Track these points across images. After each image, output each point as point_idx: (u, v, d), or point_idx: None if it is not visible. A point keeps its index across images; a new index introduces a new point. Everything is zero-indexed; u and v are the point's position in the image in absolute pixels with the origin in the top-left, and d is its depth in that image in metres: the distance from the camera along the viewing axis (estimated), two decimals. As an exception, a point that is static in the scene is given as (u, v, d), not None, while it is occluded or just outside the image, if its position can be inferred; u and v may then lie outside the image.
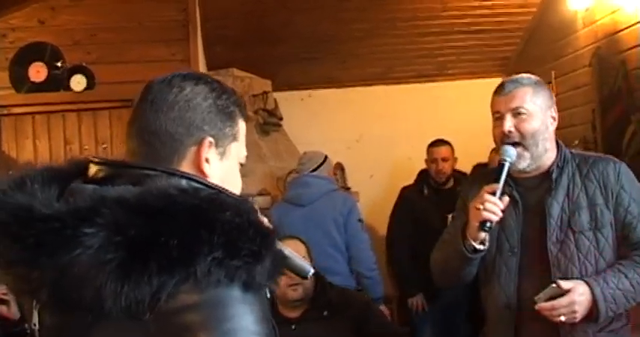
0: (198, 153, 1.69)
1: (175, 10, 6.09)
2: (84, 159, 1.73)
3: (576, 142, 5.99)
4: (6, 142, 6.10)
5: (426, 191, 6.34)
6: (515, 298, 3.09)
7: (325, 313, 4.20)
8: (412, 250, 6.22)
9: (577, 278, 2.97)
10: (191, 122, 1.68)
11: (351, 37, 7.33)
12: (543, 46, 7.13)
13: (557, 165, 3.11)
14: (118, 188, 1.54)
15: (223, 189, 1.62)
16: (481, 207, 2.93)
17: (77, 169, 1.70)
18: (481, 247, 3.02)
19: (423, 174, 6.45)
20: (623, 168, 3.11)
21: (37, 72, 5.96)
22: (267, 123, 7.37)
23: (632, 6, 5.25)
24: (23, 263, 1.47)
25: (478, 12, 7.09)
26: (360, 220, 5.70)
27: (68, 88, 5.97)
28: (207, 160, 1.69)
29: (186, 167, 1.67)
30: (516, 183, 3.14)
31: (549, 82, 6.24)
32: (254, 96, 7.28)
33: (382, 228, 6.77)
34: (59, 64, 5.95)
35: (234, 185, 1.77)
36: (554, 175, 3.09)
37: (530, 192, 3.15)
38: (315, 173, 5.85)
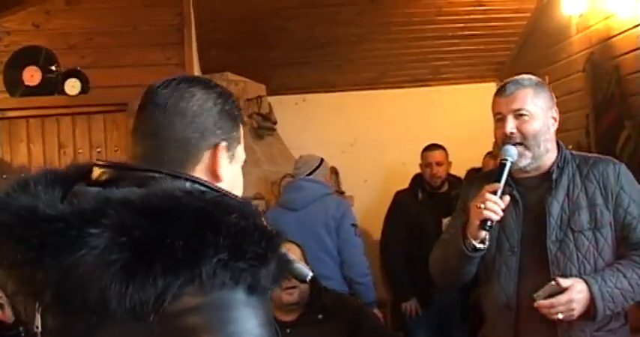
0: (213, 158, 1.71)
1: (170, 15, 6.08)
2: (87, 163, 1.74)
3: (570, 147, 5.98)
4: (0, 146, 6.08)
5: (420, 195, 6.34)
6: (515, 297, 3.11)
7: (320, 317, 4.20)
8: (406, 254, 6.22)
9: (576, 277, 2.99)
10: (205, 127, 1.69)
11: (345, 41, 7.34)
12: (537, 51, 7.15)
13: (558, 166, 3.14)
14: (122, 190, 1.54)
15: (227, 192, 1.63)
16: (482, 206, 2.95)
17: (80, 172, 1.70)
18: (481, 246, 3.04)
19: (418, 179, 6.45)
20: (623, 169, 3.14)
21: (32, 76, 5.95)
22: (262, 127, 7.37)
23: (626, 12, 5.27)
24: (27, 264, 1.47)
25: (472, 17, 7.11)
26: (353, 225, 5.66)
27: (62, 92, 5.95)
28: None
29: (200, 171, 1.69)
30: (517, 183, 3.16)
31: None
32: (248, 100, 7.28)
33: (376, 233, 6.78)
34: (54, 68, 5.94)
35: (239, 188, 1.80)
36: (554, 175, 3.12)
37: (531, 192, 3.17)
38: (309, 177, 5.84)
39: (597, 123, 5.84)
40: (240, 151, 1.79)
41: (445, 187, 6.32)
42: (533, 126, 3.08)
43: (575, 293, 2.91)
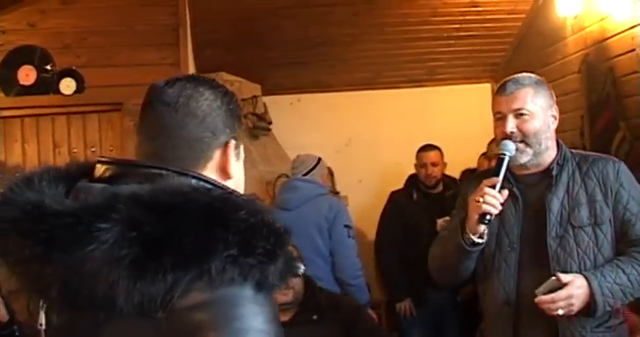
0: (224, 156, 1.73)
1: (165, 14, 6.07)
2: (88, 161, 1.75)
3: (565, 148, 6.01)
4: (-6, 145, 6.09)
5: (415, 195, 6.35)
6: (515, 294, 3.12)
7: (315, 317, 4.21)
8: (401, 255, 6.24)
9: (576, 273, 3.00)
10: (215, 126, 1.71)
11: (340, 41, 7.34)
12: (532, 52, 7.15)
13: (558, 163, 3.16)
14: (130, 186, 1.55)
15: (233, 190, 1.64)
16: (481, 199, 2.97)
17: (82, 169, 1.71)
18: (480, 241, 3.07)
19: (412, 179, 6.46)
20: (623, 167, 3.17)
21: (27, 75, 5.94)
22: (257, 127, 7.36)
23: (621, 13, 5.28)
24: (35, 260, 1.46)
25: (467, 17, 7.11)
26: (346, 226, 5.65)
27: (57, 92, 5.94)
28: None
29: (210, 169, 1.71)
30: (516, 180, 3.19)
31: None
32: (243, 100, 7.26)
33: (371, 233, 6.79)
34: (49, 68, 5.93)
35: (242, 186, 1.81)
36: (554, 172, 3.14)
37: (531, 189, 3.19)
38: (305, 177, 5.83)
39: (592, 124, 5.85)
40: (242, 149, 1.82)
41: (440, 188, 6.34)
42: (533, 125, 3.11)
43: (574, 289, 2.92)
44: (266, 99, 7.66)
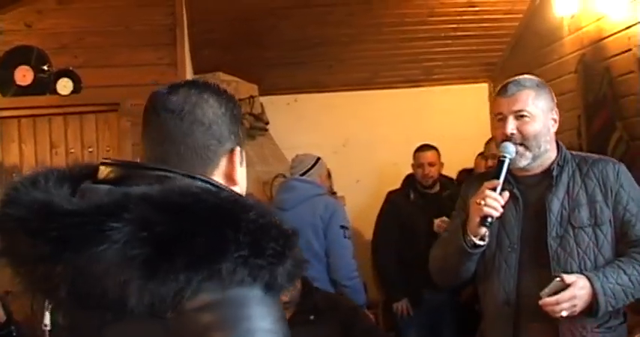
0: (230, 163, 1.74)
1: (162, 14, 6.07)
2: (90, 162, 1.75)
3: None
4: (-9, 146, 6.08)
5: (412, 196, 6.34)
6: (515, 294, 3.13)
7: (312, 317, 4.21)
8: (398, 255, 6.23)
9: (577, 273, 3.01)
10: (221, 133, 1.71)
11: (337, 41, 7.34)
12: (529, 52, 7.16)
13: (558, 164, 3.17)
14: (139, 187, 1.54)
15: (237, 193, 1.64)
16: (482, 202, 2.98)
17: (86, 171, 1.71)
18: (481, 243, 3.07)
19: (410, 179, 6.45)
20: (622, 168, 3.18)
21: (24, 75, 5.93)
22: (254, 127, 7.36)
23: (618, 14, 5.28)
24: (44, 259, 1.46)
25: (464, 18, 7.12)
26: (342, 227, 5.62)
27: (54, 92, 5.93)
28: None
29: (217, 176, 1.71)
30: (517, 181, 3.20)
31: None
32: (240, 100, 7.26)
33: (368, 233, 6.78)
34: (45, 68, 5.92)
35: (245, 190, 1.81)
36: (554, 172, 3.15)
37: (531, 190, 3.20)
38: (302, 177, 5.82)
39: (589, 124, 5.86)
40: (244, 154, 1.82)
41: (437, 188, 6.33)
42: (533, 127, 3.11)
43: (578, 290, 2.93)
44: (263, 99, 7.66)
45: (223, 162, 1.73)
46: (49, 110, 6.04)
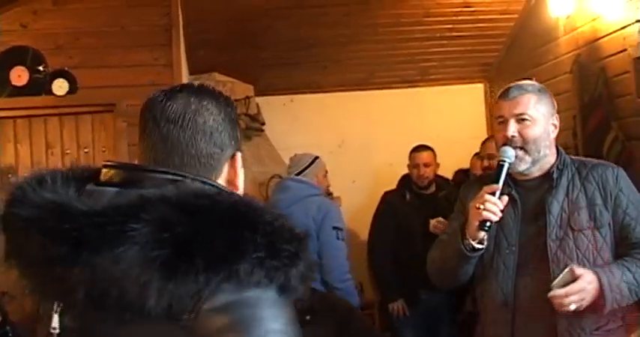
0: (232, 169, 1.75)
1: (158, 15, 6.06)
2: (91, 165, 1.75)
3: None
4: (-13, 146, 6.07)
5: (408, 196, 6.34)
6: (513, 296, 3.14)
7: (308, 318, 4.20)
8: (393, 255, 6.24)
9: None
10: (222, 141, 1.72)
11: (333, 42, 7.34)
12: (525, 52, 7.16)
13: (557, 167, 3.19)
14: (152, 189, 1.54)
15: (247, 196, 1.65)
16: (481, 206, 2.99)
17: (87, 173, 1.71)
18: (480, 246, 3.09)
19: (405, 180, 6.45)
20: (622, 172, 3.20)
21: (19, 76, 5.93)
22: (250, 128, 7.35)
23: (613, 14, 5.29)
24: (59, 261, 1.45)
25: (460, 18, 7.12)
26: (335, 228, 5.57)
27: (50, 93, 5.93)
28: None
29: (220, 181, 1.72)
30: (516, 184, 3.22)
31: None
32: (236, 100, 7.25)
33: (364, 234, 6.78)
34: (41, 68, 5.92)
35: (242, 191, 1.81)
36: (554, 175, 3.16)
37: (530, 193, 3.22)
38: (297, 177, 5.81)
39: (584, 124, 5.86)
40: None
41: (433, 188, 6.33)
42: (534, 131, 3.13)
43: (586, 283, 2.93)
44: (259, 99, 7.65)
45: (226, 168, 1.74)
46: (44, 110, 6.03)
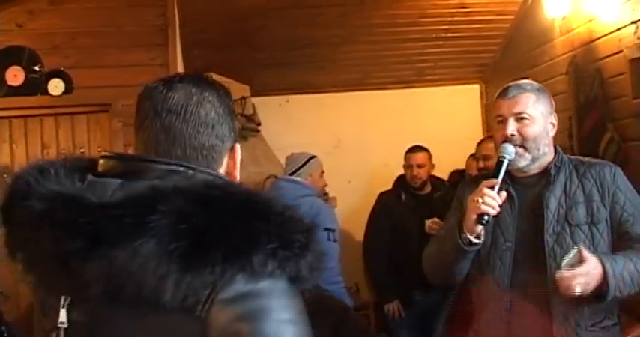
0: (232, 160, 1.76)
1: (154, 15, 6.06)
2: (81, 156, 1.74)
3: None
4: (-18, 146, 6.06)
5: (403, 197, 6.34)
6: (509, 291, 3.14)
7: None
8: (389, 256, 6.24)
9: None
10: (223, 133, 1.72)
11: (329, 42, 7.34)
12: (521, 53, 7.17)
13: (555, 165, 3.21)
14: (163, 180, 1.54)
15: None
16: (480, 200, 3.00)
17: (85, 164, 1.69)
18: (477, 241, 3.10)
19: (401, 180, 6.46)
20: (619, 171, 3.22)
21: (15, 76, 5.92)
22: (245, 128, 7.34)
23: (608, 15, 5.30)
24: (73, 255, 1.43)
25: (456, 19, 7.12)
26: (327, 229, 5.46)
27: (46, 92, 5.92)
28: None
29: (220, 173, 1.71)
30: (513, 181, 3.23)
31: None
32: (233, 106, 7.25)
33: (360, 234, 6.78)
34: (37, 68, 5.91)
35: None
36: (552, 172, 3.19)
37: (527, 189, 3.24)
38: (291, 177, 5.79)
39: (580, 125, 5.87)
40: None
41: (428, 189, 6.33)
42: (533, 129, 3.15)
43: (592, 267, 2.93)
44: (255, 100, 7.65)
45: (226, 160, 1.74)
46: (40, 110, 6.03)
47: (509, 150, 3.12)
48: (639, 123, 5.00)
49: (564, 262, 2.95)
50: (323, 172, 5.99)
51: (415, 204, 6.24)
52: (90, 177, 1.63)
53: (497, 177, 3.07)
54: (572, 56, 6.00)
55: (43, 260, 1.50)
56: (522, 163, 3.16)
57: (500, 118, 3.21)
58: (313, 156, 5.93)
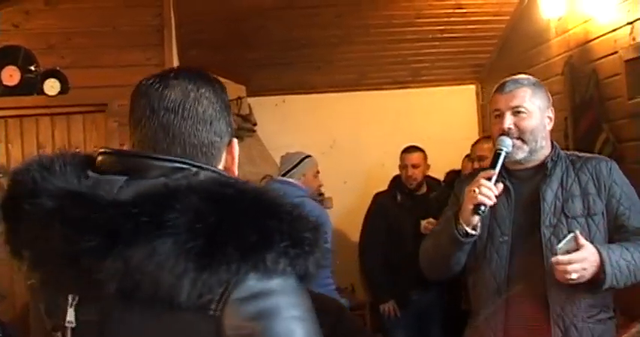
0: (230, 155, 1.76)
1: (150, 15, 6.05)
2: (76, 152, 1.71)
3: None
4: (-22, 146, 6.05)
5: (399, 197, 6.34)
6: (506, 284, 3.16)
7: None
8: (385, 256, 6.24)
9: None
10: (221, 129, 1.71)
11: (325, 43, 7.34)
12: (516, 53, 7.18)
13: (552, 159, 3.23)
14: (178, 179, 1.53)
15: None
16: (476, 190, 3.02)
17: (85, 159, 1.67)
18: (473, 232, 3.11)
19: (397, 181, 6.45)
20: (615, 165, 3.25)
21: (10, 76, 5.91)
22: (241, 128, 7.34)
23: (604, 16, 5.30)
24: (91, 253, 1.41)
25: (452, 19, 7.13)
26: None
27: (41, 92, 5.91)
28: None
29: (221, 168, 1.71)
30: (510, 174, 3.25)
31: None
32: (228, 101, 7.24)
33: (355, 235, 6.78)
34: (33, 68, 5.90)
35: None
36: (549, 165, 3.21)
37: (524, 183, 3.26)
38: (284, 178, 5.75)
39: (576, 126, 5.87)
40: None
41: (424, 189, 6.34)
42: (530, 122, 3.17)
43: (589, 254, 2.94)
44: (251, 100, 7.66)
45: (224, 156, 1.73)
46: (36, 110, 6.01)
47: (507, 143, 3.14)
48: (634, 123, 5.01)
49: (559, 246, 2.97)
50: (318, 172, 5.95)
51: (411, 205, 6.24)
52: (91, 173, 1.62)
53: (494, 168, 3.10)
54: (567, 57, 6.01)
55: (51, 258, 1.49)
56: (520, 155, 3.18)
57: (497, 112, 3.23)
58: (307, 156, 5.90)
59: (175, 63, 6.25)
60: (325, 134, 8.01)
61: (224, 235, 1.41)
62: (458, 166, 6.56)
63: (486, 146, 5.21)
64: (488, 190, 3.02)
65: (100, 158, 1.66)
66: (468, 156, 6.16)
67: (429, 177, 6.47)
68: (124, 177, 1.57)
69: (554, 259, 2.96)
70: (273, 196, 1.52)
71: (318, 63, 7.71)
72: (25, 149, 6.04)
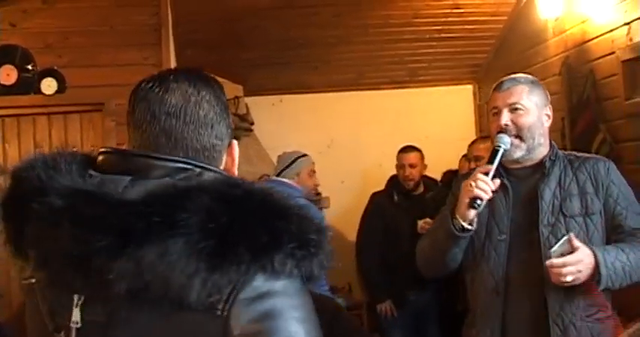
0: (230, 156, 1.75)
1: (147, 15, 6.06)
2: (74, 151, 1.69)
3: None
4: (-24, 146, 6.05)
5: (396, 197, 6.34)
6: (504, 282, 3.17)
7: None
8: (381, 256, 6.23)
9: None
10: (222, 132, 1.71)
11: (322, 42, 7.35)
12: (514, 54, 7.18)
13: (550, 158, 3.24)
14: (168, 178, 1.53)
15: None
16: (473, 184, 3.03)
17: (84, 159, 1.66)
18: (469, 227, 3.11)
19: (394, 181, 6.45)
20: (612, 165, 3.25)
21: (7, 75, 5.90)
22: (239, 128, 7.33)
23: (601, 17, 5.31)
24: (101, 253, 1.40)
25: (449, 19, 7.13)
26: None
27: (39, 92, 5.91)
28: None
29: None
30: (508, 173, 3.26)
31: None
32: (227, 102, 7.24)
33: (352, 234, 6.77)
34: (30, 67, 5.90)
35: None
36: (547, 164, 3.22)
37: (522, 181, 3.26)
38: (277, 178, 5.69)
39: (573, 126, 5.88)
40: None
41: (421, 189, 6.33)
42: (527, 119, 3.19)
43: (584, 256, 2.94)
44: (248, 100, 7.65)
45: (225, 158, 1.73)
46: (33, 110, 6.01)
47: (505, 140, 3.15)
48: (632, 124, 5.02)
49: (553, 250, 2.97)
50: (314, 171, 5.89)
51: (408, 205, 6.23)
52: (94, 172, 1.60)
53: (491, 163, 3.11)
54: (565, 57, 6.01)
55: (58, 257, 1.47)
56: (518, 154, 3.19)
57: (495, 110, 3.25)
58: (303, 155, 5.81)
59: (172, 62, 6.26)
60: (323, 134, 8.01)
61: (236, 235, 1.40)
62: (455, 166, 6.57)
63: (483, 146, 5.21)
64: (484, 184, 3.04)
65: (101, 157, 1.65)
66: (465, 156, 6.16)
67: (426, 176, 6.46)
68: (128, 177, 1.56)
69: (548, 262, 2.96)
70: (279, 197, 1.51)
71: (315, 62, 7.72)
72: (22, 148, 6.04)
